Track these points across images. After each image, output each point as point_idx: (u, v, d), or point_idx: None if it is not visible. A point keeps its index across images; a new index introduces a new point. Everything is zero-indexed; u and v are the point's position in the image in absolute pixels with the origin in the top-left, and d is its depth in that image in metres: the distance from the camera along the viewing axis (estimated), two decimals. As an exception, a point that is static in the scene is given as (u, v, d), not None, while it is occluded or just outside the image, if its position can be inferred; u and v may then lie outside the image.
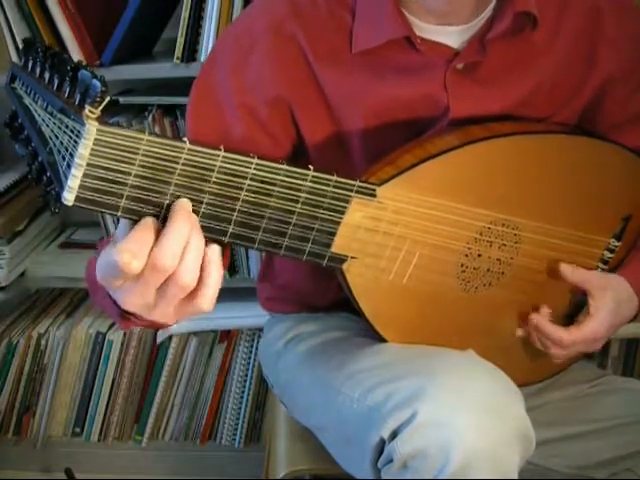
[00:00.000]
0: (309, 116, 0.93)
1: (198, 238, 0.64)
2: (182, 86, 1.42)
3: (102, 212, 0.62)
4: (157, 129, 1.47)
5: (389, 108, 0.91)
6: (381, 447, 0.78)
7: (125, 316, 0.73)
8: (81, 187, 0.60)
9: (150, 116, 1.47)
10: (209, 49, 1.36)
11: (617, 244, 0.94)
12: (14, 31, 1.39)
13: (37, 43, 0.68)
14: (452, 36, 0.89)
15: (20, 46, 1.39)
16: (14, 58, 1.40)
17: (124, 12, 1.36)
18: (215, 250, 0.65)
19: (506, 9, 0.87)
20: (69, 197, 0.59)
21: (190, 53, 1.37)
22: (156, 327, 0.82)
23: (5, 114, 0.72)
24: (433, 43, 0.89)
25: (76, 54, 1.40)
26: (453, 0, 0.86)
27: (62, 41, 1.39)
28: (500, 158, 0.84)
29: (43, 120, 0.63)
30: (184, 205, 0.65)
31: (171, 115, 1.48)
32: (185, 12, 1.35)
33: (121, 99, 1.48)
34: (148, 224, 0.63)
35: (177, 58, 1.37)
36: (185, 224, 0.63)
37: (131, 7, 1.35)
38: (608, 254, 0.94)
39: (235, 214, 0.68)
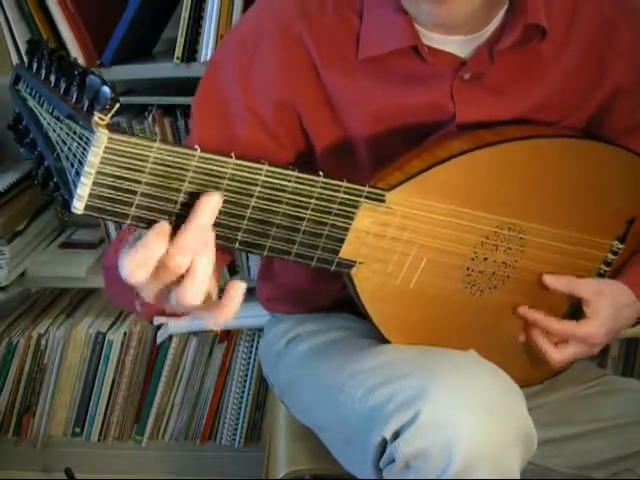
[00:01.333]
0: (314, 119, 0.92)
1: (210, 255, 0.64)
2: (182, 86, 1.42)
3: (111, 220, 0.61)
4: (157, 129, 1.47)
5: (394, 115, 0.91)
6: (383, 447, 0.78)
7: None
8: (91, 195, 0.59)
9: (150, 116, 1.47)
10: (209, 49, 1.36)
11: (620, 246, 0.94)
12: (14, 31, 1.39)
13: (42, 44, 0.67)
14: (459, 45, 0.89)
15: (20, 47, 1.39)
16: (14, 58, 1.40)
17: (124, 12, 1.36)
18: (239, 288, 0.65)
19: (516, 21, 0.86)
20: (79, 206, 0.59)
21: (190, 53, 1.37)
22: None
23: (7, 115, 0.72)
24: (440, 52, 0.88)
25: (76, 54, 1.40)
26: (457, 12, 0.82)
27: (62, 41, 1.39)
28: (507, 162, 0.84)
29: (49, 124, 0.62)
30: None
31: (171, 115, 1.48)
32: (185, 12, 1.35)
33: (121, 99, 1.48)
34: (163, 229, 0.62)
35: (177, 58, 1.37)
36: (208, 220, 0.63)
37: (131, 7, 1.35)
38: (611, 256, 0.95)
39: (245, 221, 0.68)
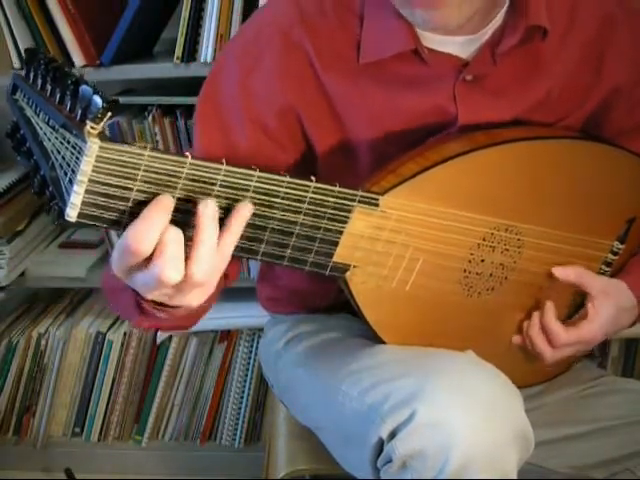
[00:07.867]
0: (316, 124, 0.92)
1: (210, 233, 0.65)
2: (182, 86, 1.42)
3: (104, 227, 0.62)
4: (157, 129, 1.47)
5: (396, 119, 0.90)
6: (380, 447, 0.78)
7: (148, 312, 0.73)
8: (83, 203, 0.60)
9: (150, 116, 1.47)
10: (209, 49, 1.35)
11: (621, 247, 0.94)
12: (14, 32, 1.39)
13: (40, 53, 0.68)
14: (460, 46, 0.88)
15: (21, 48, 1.39)
16: (15, 59, 1.40)
17: (124, 12, 1.36)
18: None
19: (518, 22, 0.86)
20: (72, 213, 0.60)
21: (190, 53, 1.37)
22: (180, 327, 0.82)
23: (7, 115, 0.72)
24: (441, 54, 0.88)
25: (76, 54, 1.40)
26: (451, 18, 0.81)
27: (62, 42, 1.40)
28: (503, 164, 0.84)
29: (45, 134, 0.63)
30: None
31: (171, 115, 1.48)
32: (185, 12, 1.35)
33: (121, 99, 1.48)
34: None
35: (177, 58, 1.37)
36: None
37: (131, 7, 1.35)
38: (612, 257, 0.94)
39: None
